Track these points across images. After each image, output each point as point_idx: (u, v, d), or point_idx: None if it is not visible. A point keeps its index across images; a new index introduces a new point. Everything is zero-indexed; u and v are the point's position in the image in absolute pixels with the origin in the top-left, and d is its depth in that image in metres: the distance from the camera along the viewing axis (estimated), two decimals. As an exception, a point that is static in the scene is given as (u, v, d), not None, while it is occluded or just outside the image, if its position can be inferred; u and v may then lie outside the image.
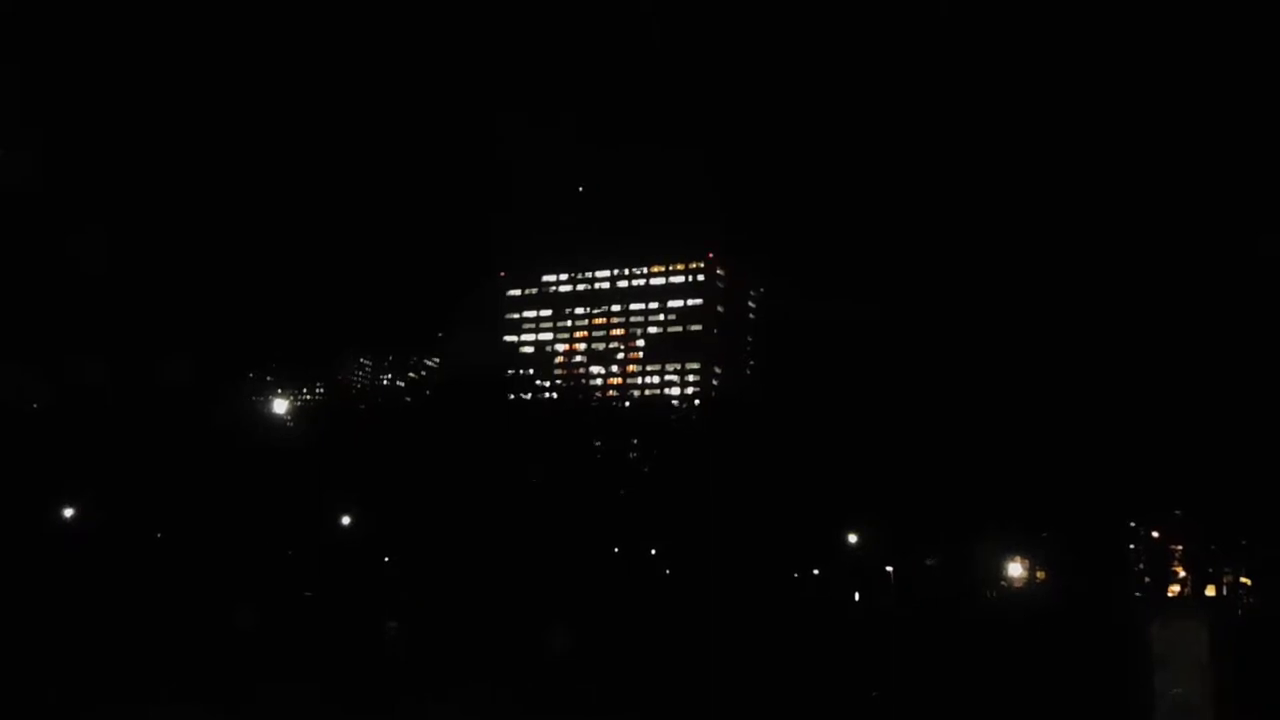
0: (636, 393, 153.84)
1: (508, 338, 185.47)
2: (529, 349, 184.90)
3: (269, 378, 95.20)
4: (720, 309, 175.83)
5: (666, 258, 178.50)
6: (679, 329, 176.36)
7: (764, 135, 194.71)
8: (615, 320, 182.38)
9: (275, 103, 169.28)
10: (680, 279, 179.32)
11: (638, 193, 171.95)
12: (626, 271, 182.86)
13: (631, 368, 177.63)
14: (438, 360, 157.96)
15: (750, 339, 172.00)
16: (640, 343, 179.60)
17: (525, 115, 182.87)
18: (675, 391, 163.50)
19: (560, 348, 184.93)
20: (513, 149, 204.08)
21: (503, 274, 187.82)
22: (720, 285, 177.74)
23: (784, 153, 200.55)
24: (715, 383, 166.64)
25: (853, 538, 61.35)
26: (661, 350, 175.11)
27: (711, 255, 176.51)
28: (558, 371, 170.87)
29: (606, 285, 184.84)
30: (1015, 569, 69.34)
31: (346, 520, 60.16)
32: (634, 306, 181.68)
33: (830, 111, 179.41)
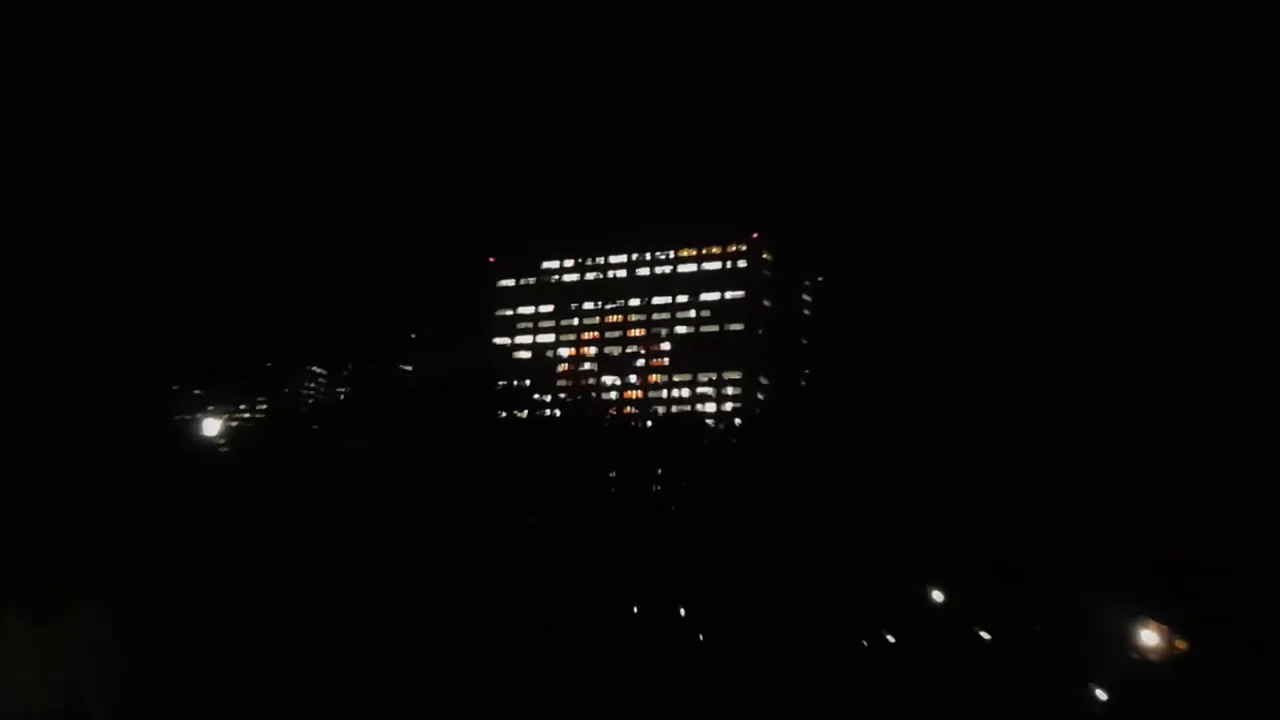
0: (661, 409, 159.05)
1: (498, 339, 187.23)
2: (525, 353, 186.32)
3: (198, 391, 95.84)
4: (767, 303, 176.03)
5: (699, 239, 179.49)
6: (714, 328, 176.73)
7: (814, 104, 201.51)
8: (634, 318, 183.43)
9: (216, 89, 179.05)
10: (716, 265, 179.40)
11: (661, 166, 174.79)
12: (648, 256, 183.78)
13: (655, 378, 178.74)
14: (411, 368, 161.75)
15: (805, 341, 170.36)
16: (665, 346, 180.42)
17: (525, 110, 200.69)
18: (710, 408, 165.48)
19: (565, 352, 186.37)
20: (506, 126, 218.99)
21: (492, 260, 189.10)
22: (767, 274, 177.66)
23: (843, 122, 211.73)
24: (760, 396, 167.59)
25: (937, 594, 60.03)
26: (692, 355, 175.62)
27: (756, 236, 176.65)
28: (562, 383, 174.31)
29: (623, 274, 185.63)
30: (1149, 636, 67.27)
31: (285, 580, 60.13)
32: (657, 300, 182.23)
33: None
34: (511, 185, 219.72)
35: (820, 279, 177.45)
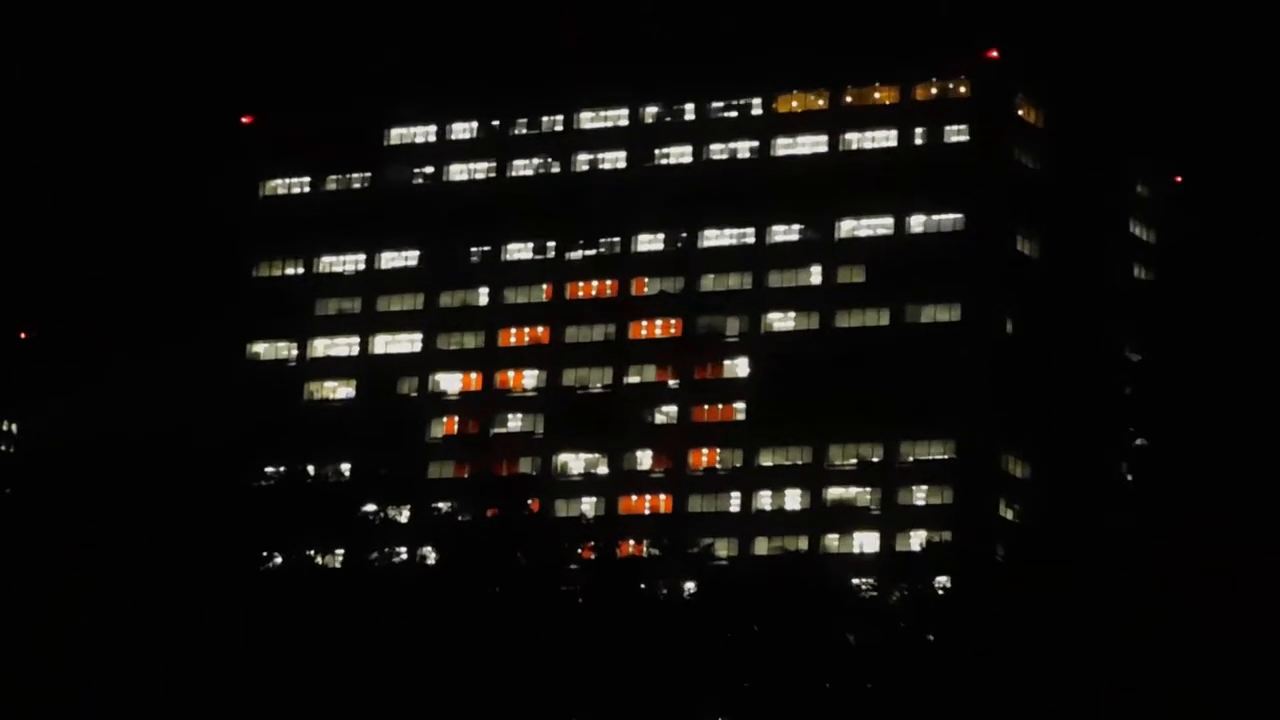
0: (722, 546, 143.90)
1: (261, 345, 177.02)
2: (341, 386, 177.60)
3: None
4: (1025, 249, 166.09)
5: (837, 68, 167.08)
6: (876, 316, 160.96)
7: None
8: (646, 288, 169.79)
9: None
10: (885, 137, 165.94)
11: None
12: (702, 108, 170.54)
13: (707, 455, 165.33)
14: (14, 430, 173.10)
15: (1135, 357, 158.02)
16: (738, 367, 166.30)
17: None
18: (865, 542, 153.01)
19: (452, 382, 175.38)
20: None
21: (248, 120, 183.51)
22: (1028, 165, 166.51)
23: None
24: (1009, 512, 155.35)
25: None
26: (812, 397, 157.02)
27: (996, 54, 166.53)
28: (443, 469, 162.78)
29: (616, 162, 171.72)
30: None
31: None
32: (712, 238, 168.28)
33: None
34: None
35: (1179, 180, 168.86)
